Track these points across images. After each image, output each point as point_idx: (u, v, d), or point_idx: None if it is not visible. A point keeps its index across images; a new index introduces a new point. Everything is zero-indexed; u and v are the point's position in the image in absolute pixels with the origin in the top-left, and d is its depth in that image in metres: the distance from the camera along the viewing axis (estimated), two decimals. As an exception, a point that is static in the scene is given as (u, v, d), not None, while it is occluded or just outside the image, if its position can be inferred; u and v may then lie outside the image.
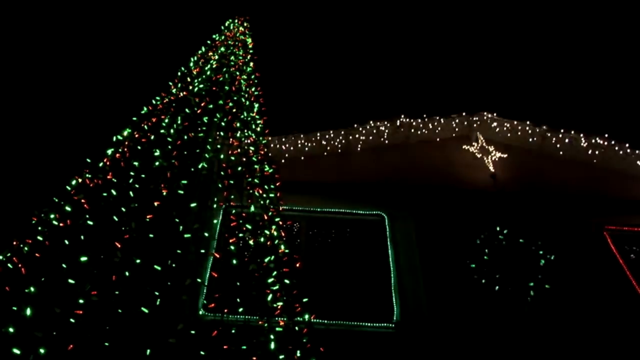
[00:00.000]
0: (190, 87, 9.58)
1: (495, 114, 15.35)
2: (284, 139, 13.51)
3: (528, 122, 15.12)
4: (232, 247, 7.25)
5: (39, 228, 6.62)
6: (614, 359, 10.17)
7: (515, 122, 15.20)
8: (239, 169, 8.31)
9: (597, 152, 14.72)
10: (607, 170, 14.57)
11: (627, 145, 14.63)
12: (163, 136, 8.13)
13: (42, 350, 5.23)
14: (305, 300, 7.29)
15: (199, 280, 6.96)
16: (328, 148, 13.97)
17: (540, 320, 10.73)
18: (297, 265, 7.74)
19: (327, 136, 13.96)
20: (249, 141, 8.99)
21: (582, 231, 12.69)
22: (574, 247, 12.24)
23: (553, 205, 13.22)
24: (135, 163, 7.48)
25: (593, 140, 14.77)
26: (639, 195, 13.93)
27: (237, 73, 10.45)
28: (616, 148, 14.67)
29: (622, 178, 14.41)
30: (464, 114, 15.30)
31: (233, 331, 6.49)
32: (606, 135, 14.79)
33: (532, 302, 11.02)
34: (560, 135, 14.93)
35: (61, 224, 6.63)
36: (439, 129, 15.03)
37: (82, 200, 6.95)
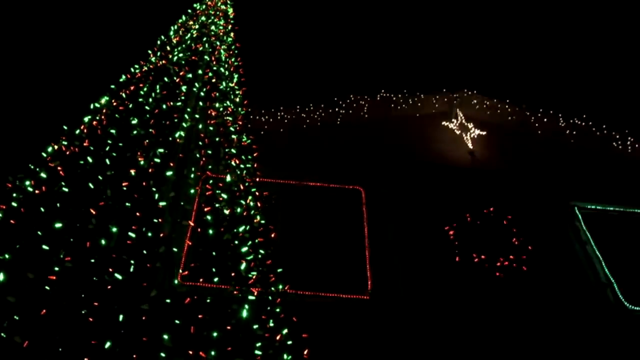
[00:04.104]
0: (170, 56, 9.49)
1: (475, 92, 15.43)
2: (263, 111, 13.48)
3: (507, 101, 15.24)
4: (209, 217, 7.26)
5: (14, 194, 6.56)
6: (580, 332, 10.42)
7: (495, 101, 15.32)
8: (217, 139, 8.28)
9: (574, 133, 14.90)
10: (582, 150, 14.77)
11: (603, 126, 14.85)
12: (141, 105, 8.06)
13: (16, 317, 5.23)
14: (279, 270, 7.35)
15: (175, 249, 6.95)
16: (308, 121, 13.96)
17: (510, 293, 10.95)
18: (272, 235, 7.78)
19: (307, 109, 13.95)
20: (227, 112, 8.94)
21: (554, 208, 12.89)
22: (545, 224, 12.46)
23: (527, 182, 13.39)
24: (113, 131, 7.43)
25: (570, 121, 14.97)
26: (611, 175, 14.16)
27: (218, 43, 10.36)
28: (593, 129, 14.89)
29: (596, 159, 14.62)
30: (444, 90, 15.37)
31: (208, 300, 6.51)
32: (584, 116, 14.98)
33: (504, 277, 11.22)
34: (539, 115, 15.08)
35: (36, 191, 6.59)
36: (419, 104, 15.09)
37: (58, 168, 6.90)
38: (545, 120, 15.04)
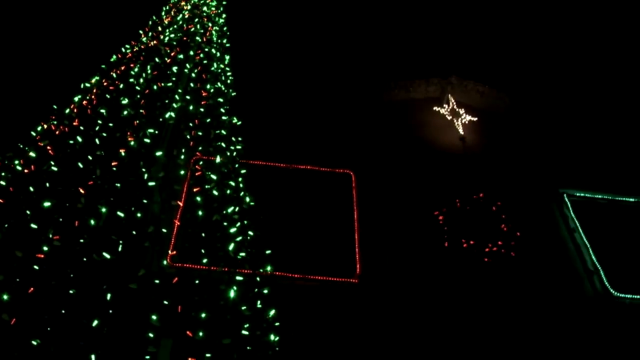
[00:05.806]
0: (161, 37, 9.45)
1: (467, 78, 15.43)
2: (255, 93, 13.41)
3: (498, 88, 15.26)
4: (198, 198, 7.26)
5: (3, 173, 6.56)
6: (567, 319, 10.54)
7: (487, 87, 15.32)
8: (207, 120, 8.26)
9: (563, 120, 14.93)
10: (571, 137, 14.82)
11: (591, 114, 14.92)
12: (132, 85, 8.04)
13: (5, 297, 5.25)
14: (268, 252, 7.39)
15: (164, 230, 6.95)
16: (299, 104, 13.90)
17: (498, 279, 11.04)
18: (261, 217, 7.80)
19: (298, 92, 13.89)
20: (218, 93, 8.92)
21: (543, 195, 12.98)
22: (534, 211, 12.53)
23: (517, 169, 13.46)
24: (103, 111, 7.40)
25: (559, 108, 15.01)
26: (600, 163, 14.24)
27: (209, 24, 10.32)
28: (581, 117, 14.95)
29: (585, 146, 14.68)
30: (436, 76, 15.35)
31: (197, 281, 6.53)
32: (575, 104, 15.03)
33: (492, 263, 11.30)
34: (530, 102, 15.11)
35: (25, 170, 6.57)
36: (411, 89, 15.08)
37: (48, 147, 6.88)
38: (536, 107, 15.07)
